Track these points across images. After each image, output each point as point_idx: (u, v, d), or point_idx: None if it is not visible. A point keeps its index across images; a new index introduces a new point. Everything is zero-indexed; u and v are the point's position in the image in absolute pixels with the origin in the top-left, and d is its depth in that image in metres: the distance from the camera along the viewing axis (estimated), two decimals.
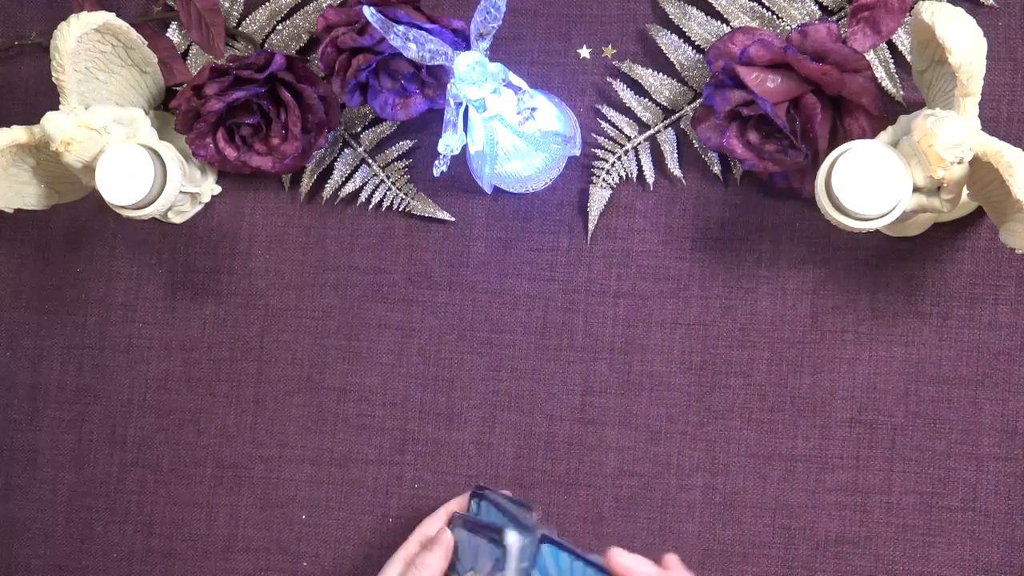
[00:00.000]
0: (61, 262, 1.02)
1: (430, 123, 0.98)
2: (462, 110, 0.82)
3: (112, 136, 0.90)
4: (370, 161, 0.98)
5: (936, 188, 0.82)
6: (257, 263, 1.00)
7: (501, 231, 0.97)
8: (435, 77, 0.93)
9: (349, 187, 0.98)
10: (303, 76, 0.93)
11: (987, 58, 0.79)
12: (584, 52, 0.97)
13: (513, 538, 0.78)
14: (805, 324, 0.94)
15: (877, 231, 0.92)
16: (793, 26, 0.93)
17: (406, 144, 0.98)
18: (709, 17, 0.95)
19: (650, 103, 0.96)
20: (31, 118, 0.92)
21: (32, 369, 1.02)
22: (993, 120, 0.92)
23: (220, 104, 0.92)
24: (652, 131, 0.96)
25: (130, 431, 1.00)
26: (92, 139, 0.88)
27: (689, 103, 0.95)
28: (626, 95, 0.96)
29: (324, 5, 0.98)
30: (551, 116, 0.89)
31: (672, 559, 0.80)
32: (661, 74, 0.96)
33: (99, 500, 1.00)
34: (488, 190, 0.92)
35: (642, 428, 0.95)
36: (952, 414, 0.92)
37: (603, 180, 0.96)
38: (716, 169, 0.95)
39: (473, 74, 0.79)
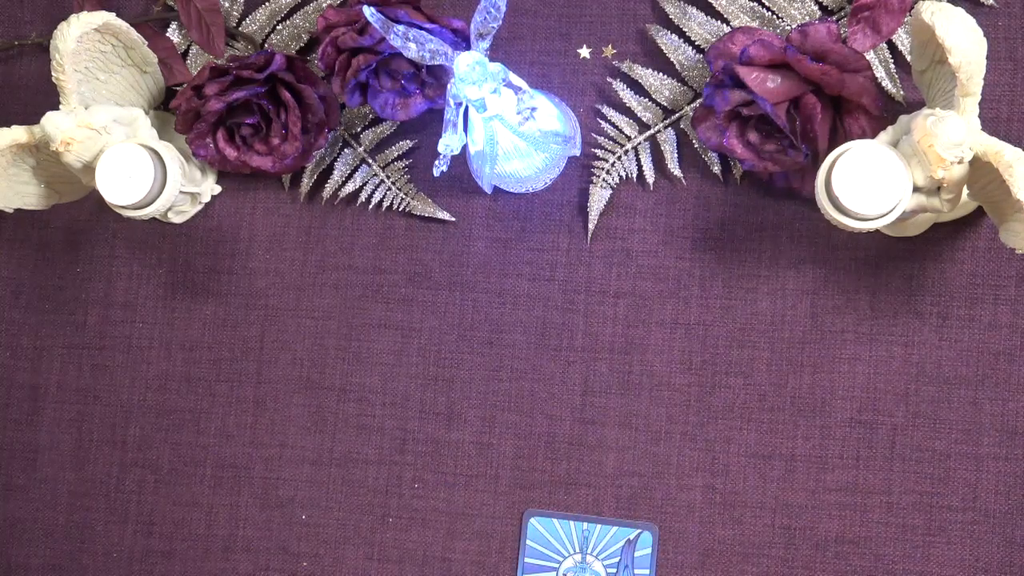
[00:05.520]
0: (61, 262, 1.02)
1: (430, 123, 0.98)
2: (462, 110, 0.82)
3: (112, 136, 0.90)
4: (370, 161, 0.98)
5: (936, 188, 0.82)
6: (257, 263, 1.00)
7: (501, 231, 0.97)
8: (435, 77, 0.93)
9: (349, 187, 0.98)
10: (303, 76, 0.93)
11: (987, 58, 0.80)
12: (584, 52, 0.97)
13: None
14: (805, 324, 0.94)
15: (877, 231, 0.92)
16: (793, 26, 0.93)
17: (406, 144, 0.98)
18: (709, 17, 0.95)
19: (650, 103, 0.96)
20: (31, 118, 0.92)
21: (32, 369, 1.02)
22: (993, 120, 0.92)
23: (220, 104, 0.92)
24: (652, 131, 0.96)
25: (130, 431, 1.00)
26: (92, 139, 0.88)
27: (689, 103, 0.95)
28: (626, 95, 0.96)
29: (324, 5, 0.98)
30: (551, 116, 0.89)
31: None
32: (661, 74, 0.96)
33: (99, 500, 1.00)
34: (488, 190, 0.92)
35: (642, 428, 0.95)
36: (952, 414, 0.92)
37: (603, 180, 0.96)
38: (716, 169, 0.95)
39: (473, 74, 0.79)
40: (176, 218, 0.97)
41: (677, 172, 0.95)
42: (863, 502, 0.92)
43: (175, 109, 0.95)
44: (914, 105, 0.92)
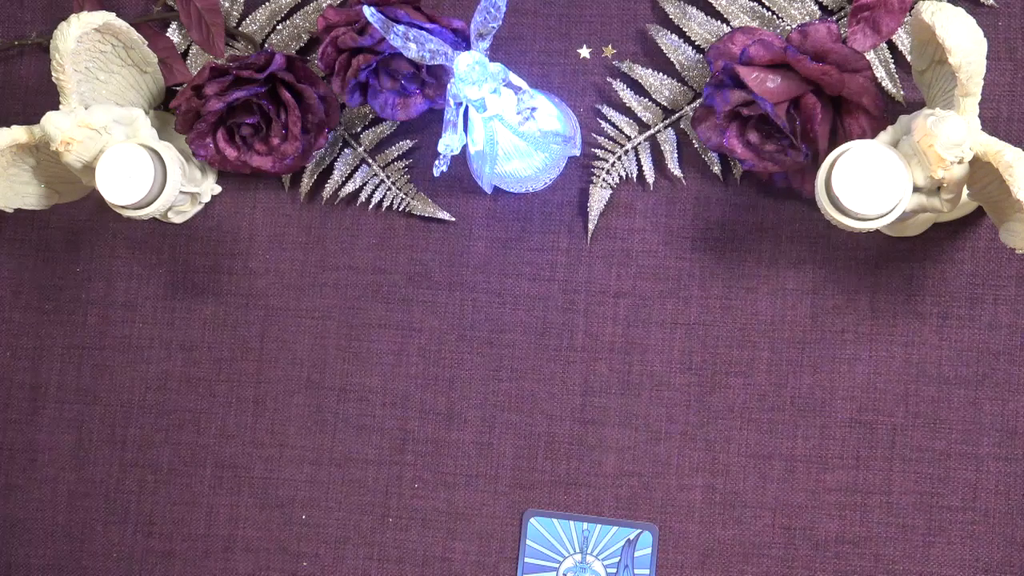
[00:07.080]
0: (61, 262, 1.02)
1: (430, 123, 0.98)
2: (462, 110, 0.82)
3: (112, 136, 0.90)
4: (370, 161, 0.98)
5: (936, 188, 0.82)
6: (257, 263, 1.00)
7: (501, 231, 0.97)
8: (435, 77, 0.93)
9: (349, 187, 0.98)
10: (303, 76, 0.93)
11: (987, 58, 0.80)
12: (584, 52, 0.97)
13: None
14: (805, 324, 0.94)
15: (877, 231, 0.92)
16: (793, 26, 0.93)
17: (406, 144, 0.98)
18: (709, 17, 0.95)
19: (650, 103, 0.96)
20: (31, 118, 0.93)
21: (32, 369, 1.02)
22: (993, 120, 0.92)
23: (220, 104, 0.92)
24: (652, 131, 0.96)
25: (130, 431, 1.00)
26: (92, 139, 0.88)
27: (689, 103, 0.95)
28: (626, 95, 0.96)
29: (324, 5, 0.98)
30: (551, 116, 0.89)
31: None
32: (661, 74, 0.96)
33: (99, 500, 1.00)
34: (488, 190, 0.92)
35: (642, 428, 0.95)
36: (952, 414, 0.92)
37: (603, 180, 0.96)
38: (716, 169, 0.95)
39: (473, 74, 0.79)
40: (176, 218, 0.97)
41: (677, 172, 0.95)
42: (863, 502, 0.92)
43: (175, 109, 0.95)
44: (914, 105, 0.92)
